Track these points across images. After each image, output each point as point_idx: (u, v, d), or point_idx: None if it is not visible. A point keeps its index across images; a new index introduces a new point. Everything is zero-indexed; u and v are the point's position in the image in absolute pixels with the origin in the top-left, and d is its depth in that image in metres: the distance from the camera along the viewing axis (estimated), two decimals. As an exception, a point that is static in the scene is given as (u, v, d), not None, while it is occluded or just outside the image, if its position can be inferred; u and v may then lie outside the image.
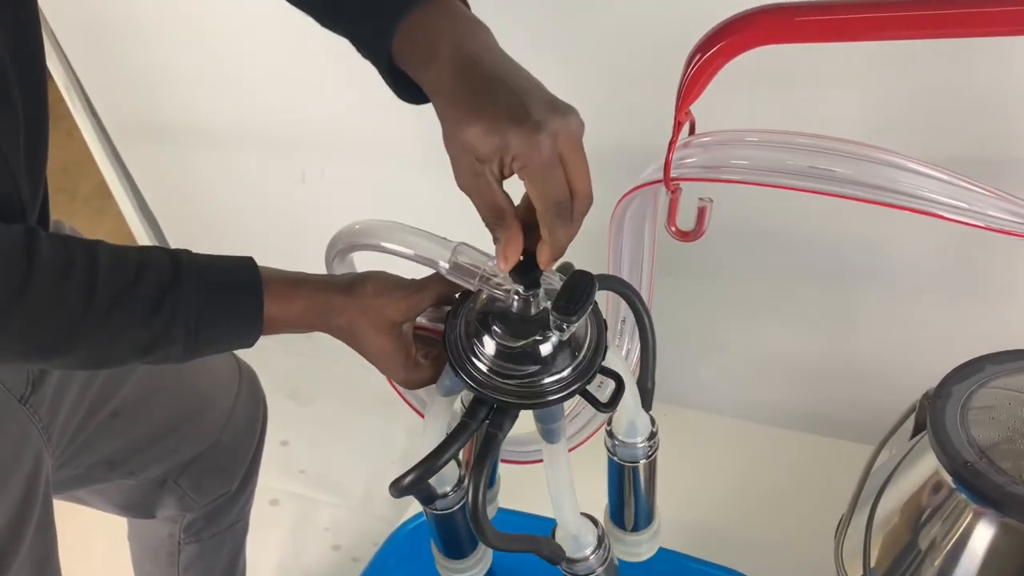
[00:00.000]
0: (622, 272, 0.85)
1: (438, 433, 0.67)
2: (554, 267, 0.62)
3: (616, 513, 0.80)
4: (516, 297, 0.62)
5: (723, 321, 1.53)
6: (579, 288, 0.58)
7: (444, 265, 0.64)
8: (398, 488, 0.62)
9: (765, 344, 1.52)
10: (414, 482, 0.62)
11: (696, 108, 0.71)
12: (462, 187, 0.58)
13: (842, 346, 1.46)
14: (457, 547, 0.77)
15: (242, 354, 1.28)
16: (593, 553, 0.70)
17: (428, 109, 0.61)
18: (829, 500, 1.07)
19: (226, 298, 0.61)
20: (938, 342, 1.27)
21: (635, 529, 0.80)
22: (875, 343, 1.43)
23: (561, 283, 0.60)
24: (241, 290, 0.61)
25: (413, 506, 1.47)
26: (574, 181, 0.57)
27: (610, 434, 0.74)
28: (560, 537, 0.70)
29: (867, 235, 1.30)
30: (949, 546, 0.75)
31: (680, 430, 1.55)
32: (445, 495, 0.72)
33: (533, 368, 0.62)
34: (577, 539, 0.70)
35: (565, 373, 0.62)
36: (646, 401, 0.73)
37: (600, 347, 0.64)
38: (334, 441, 1.64)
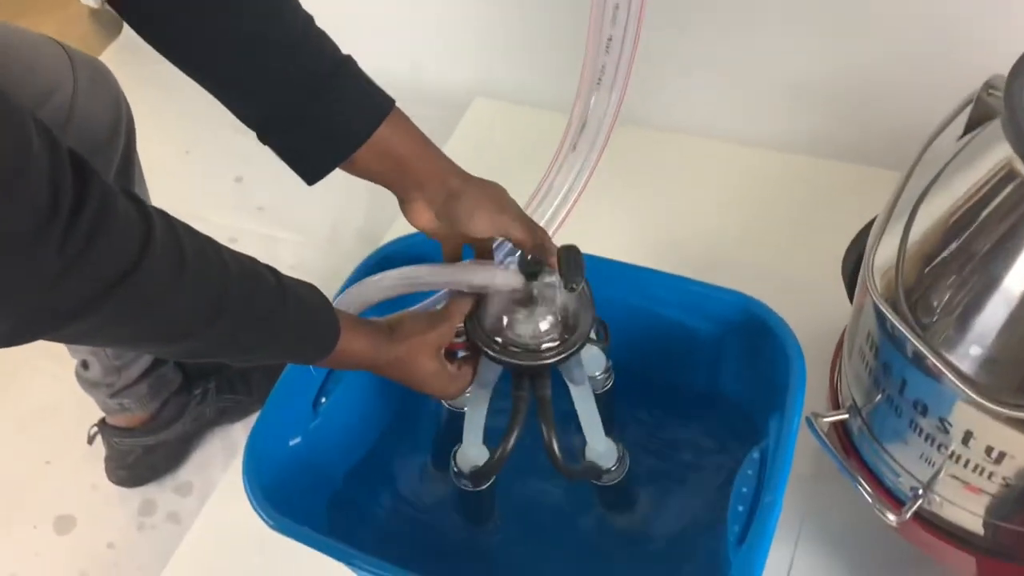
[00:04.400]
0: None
1: (481, 418, 0.87)
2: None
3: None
4: (523, 285, 0.77)
5: (719, 36, 1.37)
6: (573, 257, 0.74)
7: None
8: (485, 476, 0.86)
9: (768, 60, 1.37)
10: (499, 461, 0.80)
11: None
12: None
13: (854, 59, 1.32)
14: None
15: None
16: (617, 463, 0.90)
17: None
18: (836, 225, 1.01)
19: (314, 327, 0.69)
20: (969, 46, 1.13)
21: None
22: (892, 51, 1.28)
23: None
24: (325, 326, 0.70)
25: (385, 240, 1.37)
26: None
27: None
28: (590, 454, 0.89)
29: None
30: (1011, 244, 0.64)
31: (682, 156, 1.46)
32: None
33: (556, 333, 0.78)
34: (604, 455, 0.89)
35: (577, 332, 0.78)
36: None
37: (592, 307, 0.80)
38: (294, 176, 1.49)
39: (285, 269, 1.50)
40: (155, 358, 1.11)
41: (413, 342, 0.75)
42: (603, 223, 1.24)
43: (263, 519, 0.79)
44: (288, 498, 0.82)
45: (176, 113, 1.64)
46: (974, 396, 0.65)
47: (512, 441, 0.78)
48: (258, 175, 1.55)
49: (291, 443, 0.90)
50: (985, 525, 0.78)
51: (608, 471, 0.90)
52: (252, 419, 0.88)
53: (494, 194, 0.77)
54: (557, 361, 0.78)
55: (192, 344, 0.61)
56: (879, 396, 0.78)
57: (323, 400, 0.92)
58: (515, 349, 0.78)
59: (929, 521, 0.82)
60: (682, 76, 1.45)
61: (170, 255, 0.55)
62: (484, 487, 0.88)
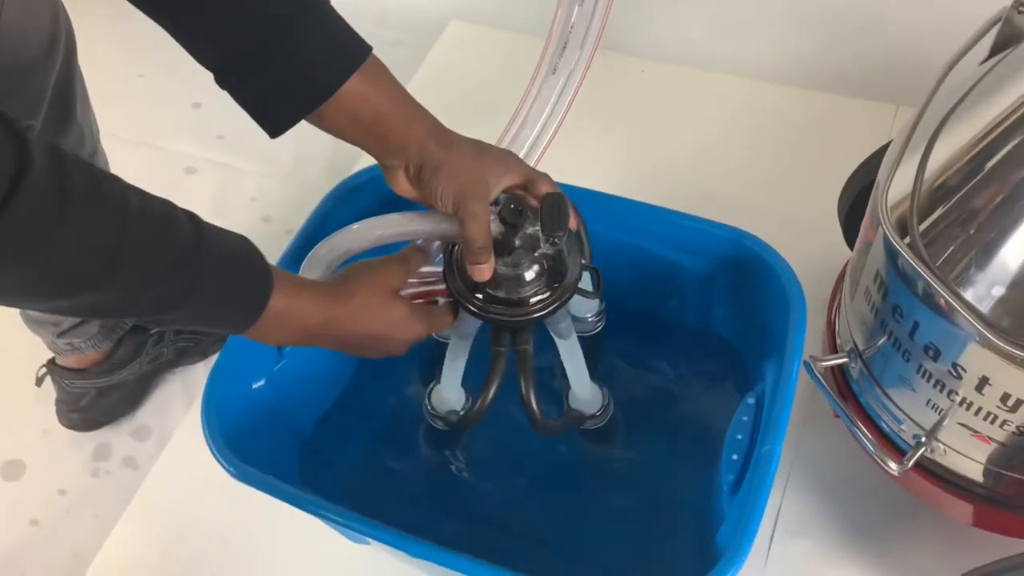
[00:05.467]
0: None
1: (460, 365, 0.83)
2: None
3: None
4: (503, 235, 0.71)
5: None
6: (555, 207, 0.68)
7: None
8: (463, 427, 0.86)
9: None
10: (478, 414, 0.75)
11: None
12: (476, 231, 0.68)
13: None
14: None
15: None
16: (602, 409, 0.89)
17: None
18: (830, 160, 0.97)
19: (240, 280, 0.60)
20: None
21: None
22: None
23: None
24: (255, 278, 0.61)
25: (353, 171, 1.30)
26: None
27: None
28: (574, 401, 0.88)
29: None
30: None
31: (670, 86, 1.39)
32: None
33: (541, 285, 0.73)
34: (589, 402, 0.88)
35: (562, 286, 0.73)
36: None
37: (581, 254, 0.75)
38: (255, 102, 1.42)
39: (246, 201, 1.45)
40: None
41: (370, 287, 0.69)
42: (586, 154, 1.18)
43: (224, 467, 0.74)
44: (252, 444, 0.77)
45: (128, 33, 1.53)
46: (995, 340, 0.61)
47: (491, 395, 0.74)
48: (218, 101, 1.41)
49: (254, 386, 0.84)
50: (986, 473, 0.74)
51: (593, 416, 0.86)
52: (215, 360, 0.82)
53: (476, 175, 0.68)
54: (540, 316, 0.73)
55: (89, 298, 0.53)
56: (884, 339, 0.73)
57: (289, 340, 0.86)
58: (497, 305, 0.73)
59: (928, 469, 0.78)
60: (671, 1, 1.38)
61: (52, 187, 0.47)
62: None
